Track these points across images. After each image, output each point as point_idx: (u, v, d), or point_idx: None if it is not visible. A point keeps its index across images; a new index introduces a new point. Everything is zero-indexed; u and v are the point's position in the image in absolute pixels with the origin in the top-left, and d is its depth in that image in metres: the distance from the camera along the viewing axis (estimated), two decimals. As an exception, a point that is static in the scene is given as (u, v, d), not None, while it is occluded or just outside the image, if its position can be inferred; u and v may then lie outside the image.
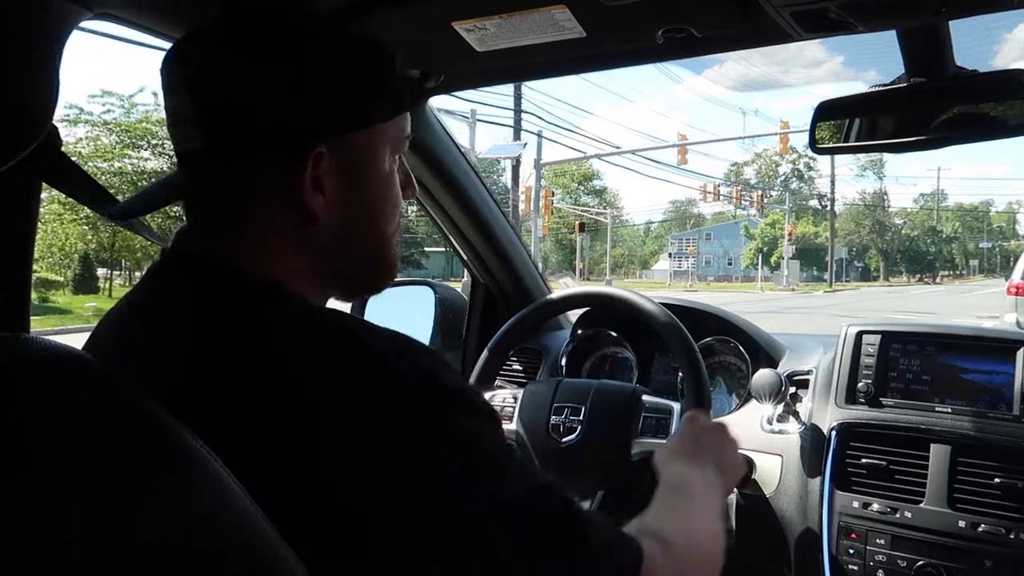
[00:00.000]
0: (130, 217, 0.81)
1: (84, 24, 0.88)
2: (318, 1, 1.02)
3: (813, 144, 1.24)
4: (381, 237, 0.73)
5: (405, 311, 2.00)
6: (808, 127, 1.26)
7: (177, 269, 0.67)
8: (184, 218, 0.71)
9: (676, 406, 1.28)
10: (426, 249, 38.37)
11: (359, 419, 0.56)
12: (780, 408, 1.38)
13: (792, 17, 0.99)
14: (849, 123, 1.23)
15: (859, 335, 1.35)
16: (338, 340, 0.60)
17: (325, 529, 0.54)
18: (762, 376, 1.35)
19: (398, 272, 0.80)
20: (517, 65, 1.27)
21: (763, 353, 1.53)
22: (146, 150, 14.51)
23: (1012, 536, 1.11)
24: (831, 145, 1.25)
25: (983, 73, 1.10)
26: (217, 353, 0.59)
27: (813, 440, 1.31)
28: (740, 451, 1.05)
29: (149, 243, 0.93)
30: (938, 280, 56.69)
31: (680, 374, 1.59)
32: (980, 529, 1.13)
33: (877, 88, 1.18)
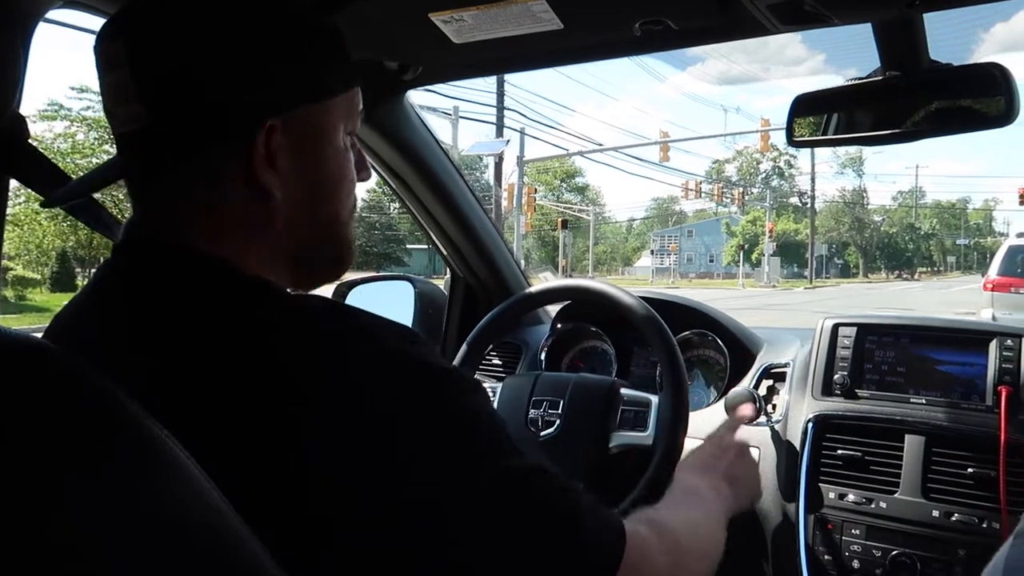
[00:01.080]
0: (69, 201, 0.77)
1: (56, 16, 0.87)
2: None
3: (790, 137, 1.25)
4: (336, 217, 0.71)
5: (384, 306, 1.99)
6: (785, 127, 1.26)
7: (133, 262, 0.64)
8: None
9: (654, 399, 1.28)
10: (408, 246, 38.28)
11: (343, 404, 0.55)
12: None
13: (768, 9, 0.99)
14: (826, 116, 1.24)
15: (835, 327, 1.36)
16: (318, 324, 0.59)
17: (306, 520, 0.53)
18: (736, 396, 1.33)
19: (378, 268, 0.78)
20: (495, 57, 1.26)
21: (741, 346, 1.54)
22: (124, 146, 14.31)
23: (985, 525, 1.12)
24: (808, 138, 1.25)
25: (957, 67, 1.11)
26: (187, 344, 0.57)
27: (790, 432, 1.32)
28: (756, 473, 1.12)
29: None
30: (916, 277, 57.31)
31: (659, 367, 1.59)
32: (954, 519, 1.14)
33: (853, 82, 1.19)
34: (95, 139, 14.35)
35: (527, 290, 1.52)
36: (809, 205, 49.13)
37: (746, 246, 47.91)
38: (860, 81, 1.18)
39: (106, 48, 0.63)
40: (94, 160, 14.28)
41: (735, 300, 22.08)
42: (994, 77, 1.07)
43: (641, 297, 1.37)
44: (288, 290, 0.67)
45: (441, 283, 2.11)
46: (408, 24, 1.14)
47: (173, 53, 0.61)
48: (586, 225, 46.96)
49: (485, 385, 1.46)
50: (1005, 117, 1.07)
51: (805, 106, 1.25)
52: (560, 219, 33.91)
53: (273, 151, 0.63)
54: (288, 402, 0.55)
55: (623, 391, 1.31)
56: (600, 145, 28.75)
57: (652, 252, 56.60)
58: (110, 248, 0.68)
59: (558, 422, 1.30)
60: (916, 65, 1.12)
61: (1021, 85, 1.12)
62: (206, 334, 0.58)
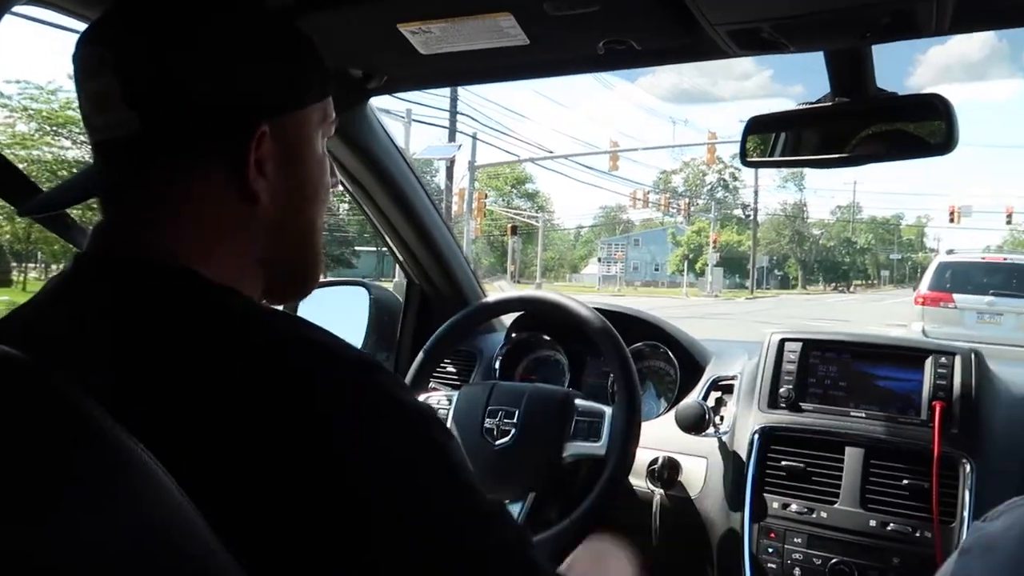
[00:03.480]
0: (47, 212, 0.74)
1: (21, 9, 0.85)
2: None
3: (743, 157, 1.29)
4: (313, 225, 0.71)
5: (338, 311, 1.98)
6: (737, 139, 1.30)
7: (111, 274, 0.61)
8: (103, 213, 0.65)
9: (608, 410, 1.30)
10: (357, 248, 37.88)
11: (333, 442, 0.53)
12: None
13: (728, 35, 1.03)
14: (776, 138, 1.29)
15: (782, 342, 1.41)
16: (286, 357, 0.56)
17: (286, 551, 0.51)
18: (686, 407, 1.37)
19: (327, 271, 0.76)
20: (460, 69, 1.27)
21: (690, 358, 1.57)
22: (67, 139, 13.87)
23: (918, 535, 1.17)
24: (760, 159, 1.30)
25: (902, 96, 1.16)
26: (177, 366, 0.54)
27: (737, 443, 1.36)
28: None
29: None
30: (852, 289, 59.27)
31: (611, 378, 1.62)
32: (889, 528, 1.19)
33: (804, 106, 1.24)
34: (35, 130, 13.83)
35: (485, 300, 1.54)
36: (752, 217, 50.38)
37: (691, 256, 48.86)
38: (811, 106, 1.23)
39: (88, 54, 0.61)
40: (35, 152, 13.77)
41: (679, 309, 22.47)
42: (936, 107, 1.13)
43: (596, 308, 1.39)
44: (262, 304, 0.65)
45: (389, 285, 2.11)
46: (376, 34, 1.14)
47: (163, 56, 0.60)
48: (535, 231, 47.20)
49: (440, 393, 1.47)
50: (946, 145, 1.12)
51: (758, 127, 1.29)
52: (510, 225, 34.02)
53: (262, 157, 0.63)
54: (271, 439, 0.52)
55: (577, 402, 1.33)
56: (551, 152, 28.94)
57: (599, 260, 57.30)
58: (48, 243, 0.66)
59: (513, 431, 1.31)
60: (864, 92, 1.17)
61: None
62: (203, 359, 0.55)
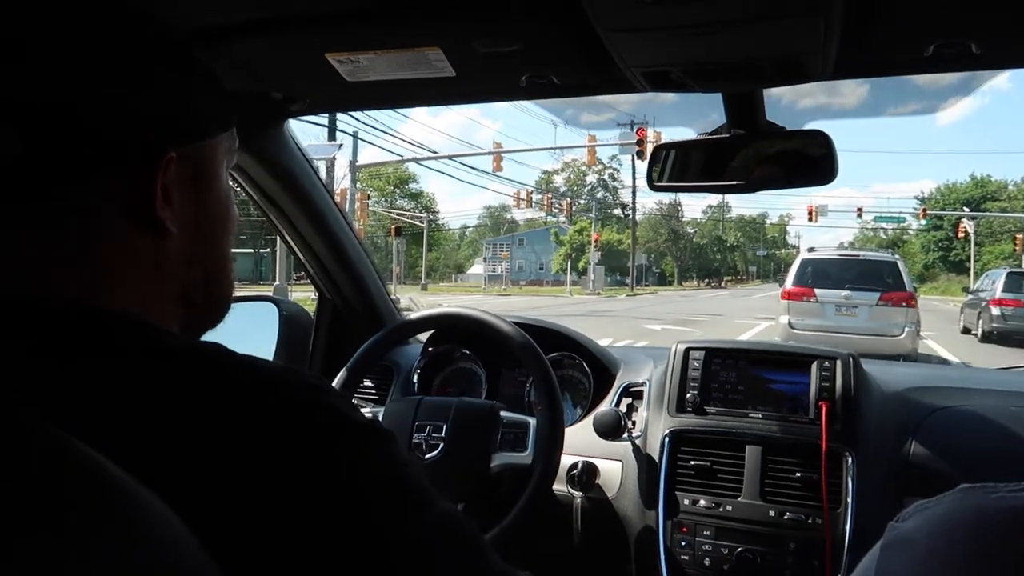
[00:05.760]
0: None
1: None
2: (192, 18, 1.02)
3: (651, 182, 1.40)
4: (224, 257, 0.68)
5: (245, 329, 1.94)
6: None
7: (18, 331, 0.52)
8: None
9: (532, 421, 1.38)
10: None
11: (278, 476, 0.51)
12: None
13: (642, 75, 1.12)
14: (681, 165, 1.40)
15: (687, 351, 1.53)
16: (244, 387, 0.54)
17: None
18: (604, 415, 1.46)
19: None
20: (383, 95, 1.31)
21: (602, 367, 1.67)
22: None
23: (810, 521, 1.31)
24: (666, 184, 1.40)
25: (790, 131, 1.29)
26: (112, 420, 0.50)
27: (649, 446, 1.46)
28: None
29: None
30: (723, 285, 62.59)
31: (527, 387, 1.70)
32: (786, 517, 1.32)
33: (704, 136, 1.35)
34: None
35: (409, 317, 1.57)
36: (630, 217, 52.17)
37: (573, 255, 50.06)
38: (710, 136, 1.34)
39: None
40: None
41: (564, 307, 22.98)
42: (818, 141, 1.27)
43: (515, 323, 1.46)
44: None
45: (270, 290, 2.09)
46: (303, 62, 1.16)
47: (60, 66, 0.53)
48: (420, 232, 46.96)
49: (365, 410, 1.50)
50: (827, 175, 1.26)
51: (663, 154, 1.40)
52: (394, 226, 33.69)
53: (168, 184, 0.59)
54: (214, 481, 0.50)
55: (503, 414, 1.40)
56: (435, 153, 28.92)
57: (484, 259, 57.74)
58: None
59: (442, 445, 1.36)
60: (756, 126, 1.30)
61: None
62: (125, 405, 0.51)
